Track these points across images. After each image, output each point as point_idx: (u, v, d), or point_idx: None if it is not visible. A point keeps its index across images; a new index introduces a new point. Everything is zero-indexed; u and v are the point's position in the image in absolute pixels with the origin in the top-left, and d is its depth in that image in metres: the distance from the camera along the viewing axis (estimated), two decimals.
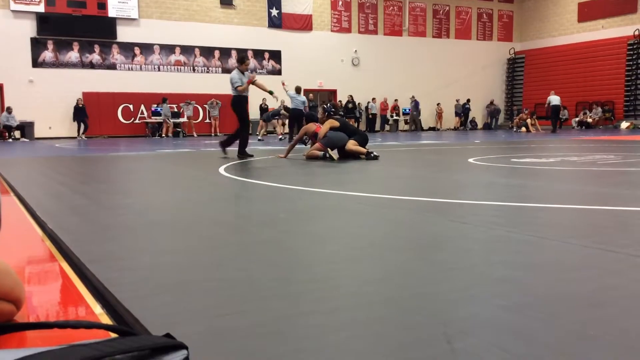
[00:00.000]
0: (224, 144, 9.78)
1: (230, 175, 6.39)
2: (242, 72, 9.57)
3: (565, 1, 28.02)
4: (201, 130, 23.19)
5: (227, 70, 24.04)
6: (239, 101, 9.44)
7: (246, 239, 3.02)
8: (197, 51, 23.56)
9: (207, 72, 23.82)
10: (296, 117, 15.03)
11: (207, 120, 23.51)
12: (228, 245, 2.88)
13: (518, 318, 1.74)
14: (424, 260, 2.51)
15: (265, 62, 24.81)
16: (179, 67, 23.34)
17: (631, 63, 25.05)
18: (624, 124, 23.87)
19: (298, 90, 15.40)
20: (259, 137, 18.32)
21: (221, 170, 7.01)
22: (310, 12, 25.32)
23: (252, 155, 9.41)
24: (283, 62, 25.02)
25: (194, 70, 23.60)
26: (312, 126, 9.51)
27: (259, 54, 24.61)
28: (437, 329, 1.66)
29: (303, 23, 25.23)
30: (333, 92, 26.33)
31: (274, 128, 21.07)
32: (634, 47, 24.94)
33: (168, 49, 23.09)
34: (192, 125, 22.87)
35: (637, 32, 24.73)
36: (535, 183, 5.54)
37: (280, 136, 18.23)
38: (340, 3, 26.09)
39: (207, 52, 23.75)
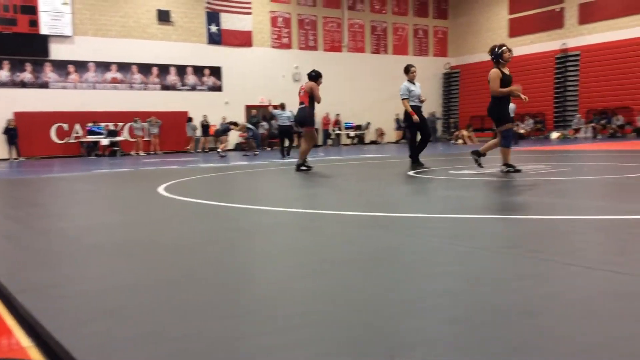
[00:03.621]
0: (413, 156, 9.72)
1: (170, 195, 6.26)
2: (412, 82, 9.59)
3: (497, 17, 29.17)
4: (139, 149, 22.64)
5: (166, 87, 23.68)
6: (407, 113, 9.51)
7: (188, 261, 2.95)
8: (134, 68, 23.09)
9: (145, 89, 23.36)
10: (284, 133, 15.99)
11: (146, 139, 23.01)
12: (169, 267, 2.80)
13: (458, 330, 1.76)
14: (369, 274, 2.52)
15: (205, 79, 24.58)
16: (115, 84, 22.79)
17: (559, 76, 26.28)
18: (554, 135, 24.95)
19: (283, 106, 16.20)
20: (221, 153, 17.98)
21: (161, 189, 6.85)
22: (250, 28, 25.32)
23: (423, 164, 9.43)
24: (224, 79, 24.86)
25: (131, 87, 23.10)
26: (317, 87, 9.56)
27: (198, 70, 24.37)
28: (382, 344, 1.66)
29: (243, 39, 25.20)
30: (275, 108, 26.33)
31: (216, 144, 20.68)
32: (562, 60, 26.19)
33: (104, 66, 22.52)
34: (139, 144, 22.38)
35: (563, 46, 25.99)
36: (471, 194, 5.69)
37: (222, 152, 17.98)
38: (280, 19, 26.22)
39: (145, 69, 23.31)
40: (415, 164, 9.42)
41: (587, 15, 25.31)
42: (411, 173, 8.22)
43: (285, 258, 2.95)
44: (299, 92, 9.69)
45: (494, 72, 7.56)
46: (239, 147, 22.47)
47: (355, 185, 7.23)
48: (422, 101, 9.53)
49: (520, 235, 3.36)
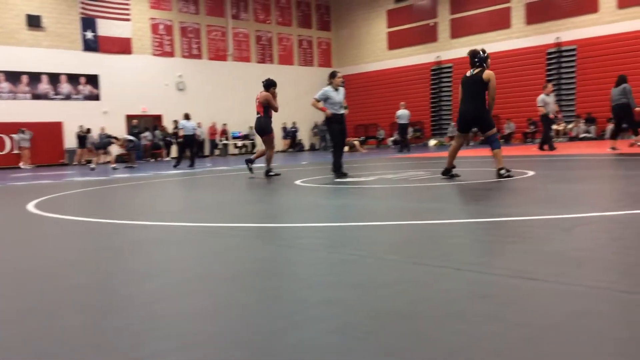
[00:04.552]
0: (337, 166, 9.27)
1: (41, 212, 5.83)
2: (336, 89, 9.18)
3: (376, 30, 30.36)
4: (7, 163, 20.95)
5: (37, 96, 22.16)
6: (327, 119, 9.23)
7: (53, 284, 2.75)
8: (1, 76, 21.40)
9: (14, 98, 21.72)
10: (188, 142, 16.10)
11: (16, 151, 21.39)
12: (30, 293, 2.59)
13: (340, 340, 1.78)
14: (251, 289, 2.49)
15: (81, 87, 23.30)
16: None
17: (435, 86, 27.84)
18: (432, 142, 26.36)
19: (187, 117, 16.28)
20: (92, 166, 17.02)
21: (30, 206, 6.37)
22: (129, 35, 24.39)
23: (346, 174, 9.06)
24: (102, 87, 23.71)
25: None
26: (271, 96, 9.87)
27: (74, 78, 23.06)
28: None
29: (122, 46, 24.20)
30: (158, 118, 25.55)
31: (98, 157, 19.49)
32: (436, 72, 27.77)
33: None
34: (25, 156, 20.79)
35: (437, 59, 27.58)
36: (356, 202, 5.84)
37: (113, 165, 17.09)
38: (161, 27, 25.50)
39: (13, 77, 21.67)
40: (339, 173, 9.10)
41: (458, 30, 27.08)
42: (298, 182, 8.30)
43: (163, 276, 2.84)
44: (256, 102, 9.98)
45: (493, 74, 7.21)
46: (120, 159, 21.54)
47: (240, 195, 7.16)
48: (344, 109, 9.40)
49: (400, 241, 3.49)
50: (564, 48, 23.58)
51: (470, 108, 7.29)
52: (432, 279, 2.47)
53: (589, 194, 5.49)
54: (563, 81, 23.60)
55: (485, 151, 16.90)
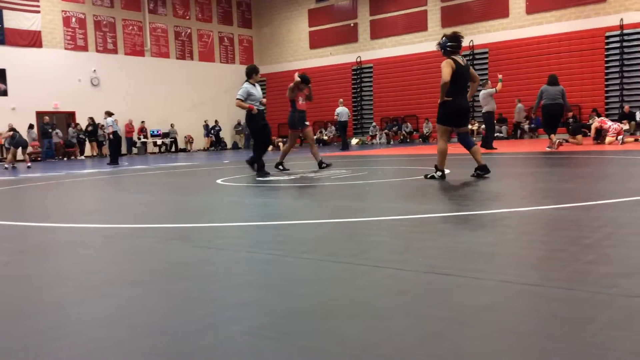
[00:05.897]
0: (253, 165, 8.99)
1: None
2: (254, 85, 8.86)
3: (298, 30, 30.42)
4: None
5: None
6: (248, 115, 8.79)
7: None
8: None
9: None
10: (114, 138, 16.40)
11: None
12: None
13: (255, 342, 1.75)
14: (164, 292, 2.41)
15: None
16: None
17: (355, 86, 28.25)
18: (354, 141, 26.73)
19: (109, 114, 16.42)
20: (5, 166, 16.09)
21: None
22: (38, 28, 23.13)
23: (269, 173, 8.69)
24: (9, 82, 22.37)
25: None
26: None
27: None
28: None
29: (30, 39, 22.92)
30: (71, 114, 24.41)
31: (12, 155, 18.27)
32: (357, 72, 28.19)
33: None
34: None
35: (359, 59, 28.00)
36: (277, 201, 5.81)
37: (7, 165, 16.21)
38: (73, 20, 24.36)
39: None
40: (262, 172, 8.82)
41: (378, 31, 27.61)
42: (219, 181, 8.17)
43: (70, 281, 2.70)
44: None
45: None
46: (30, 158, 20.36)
47: (158, 195, 6.95)
48: (263, 104, 9.06)
49: (319, 239, 3.49)
50: (477, 51, 24.57)
51: (467, 102, 6.74)
52: (350, 277, 2.49)
53: (502, 191, 5.73)
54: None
55: (405, 149, 17.33)
